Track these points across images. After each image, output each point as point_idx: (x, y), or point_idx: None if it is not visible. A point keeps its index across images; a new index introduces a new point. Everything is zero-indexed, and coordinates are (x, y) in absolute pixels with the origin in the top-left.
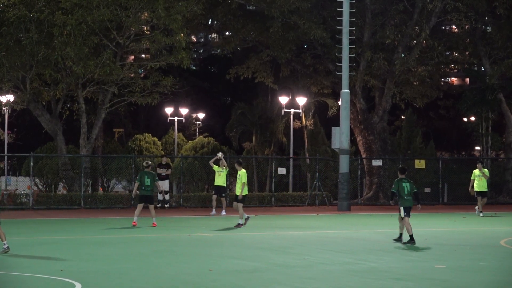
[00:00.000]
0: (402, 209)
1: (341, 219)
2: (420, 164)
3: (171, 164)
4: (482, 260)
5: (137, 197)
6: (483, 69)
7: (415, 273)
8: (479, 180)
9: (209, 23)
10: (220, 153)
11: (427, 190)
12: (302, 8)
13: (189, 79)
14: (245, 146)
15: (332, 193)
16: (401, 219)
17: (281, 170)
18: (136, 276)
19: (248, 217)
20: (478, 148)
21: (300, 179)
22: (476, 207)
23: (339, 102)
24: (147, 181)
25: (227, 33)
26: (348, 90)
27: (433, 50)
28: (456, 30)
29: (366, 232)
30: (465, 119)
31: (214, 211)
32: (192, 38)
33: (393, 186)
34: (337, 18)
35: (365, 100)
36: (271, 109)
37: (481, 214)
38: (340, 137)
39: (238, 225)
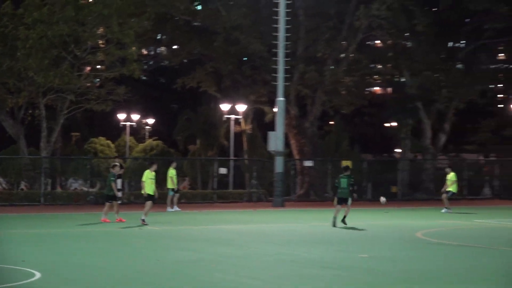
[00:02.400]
0: (336, 198)
1: (276, 214)
2: (347, 164)
3: (123, 164)
4: (401, 250)
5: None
6: (403, 80)
7: (342, 262)
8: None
9: (159, 37)
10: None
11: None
12: (243, 25)
13: (140, 88)
14: (190, 148)
15: (268, 191)
16: (339, 208)
17: (223, 170)
18: (92, 267)
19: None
20: (398, 150)
21: (239, 178)
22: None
23: (275, 109)
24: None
25: (174, 47)
26: (283, 98)
27: (359, 63)
28: (380, 45)
29: (299, 226)
30: (387, 125)
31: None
32: (143, 51)
33: (335, 181)
34: (274, 33)
35: (298, 107)
36: (214, 116)
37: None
38: (275, 141)
39: (143, 221)
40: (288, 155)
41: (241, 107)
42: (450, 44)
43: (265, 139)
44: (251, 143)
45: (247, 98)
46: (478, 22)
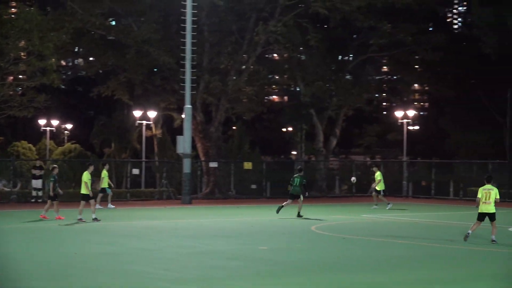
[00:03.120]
0: (290, 195)
1: (184, 211)
2: (248, 165)
3: (43, 166)
4: (297, 243)
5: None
6: (298, 89)
7: (244, 253)
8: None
9: (76, 50)
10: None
11: (253, 186)
12: (153, 39)
13: (59, 96)
14: (105, 151)
15: (177, 190)
16: (290, 202)
17: (135, 171)
18: (12, 260)
19: (81, 217)
20: (294, 152)
21: (151, 178)
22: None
23: (183, 115)
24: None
25: (91, 59)
26: (190, 106)
27: (258, 73)
28: (277, 57)
29: (205, 221)
30: (284, 129)
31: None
32: (62, 62)
33: (291, 180)
34: (181, 47)
35: (203, 113)
36: (127, 121)
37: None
38: (183, 144)
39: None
40: (195, 157)
41: (152, 114)
42: (340, 57)
43: (174, 142)
44: (161, 146)
45: (158, 105)
46: (364, 38)
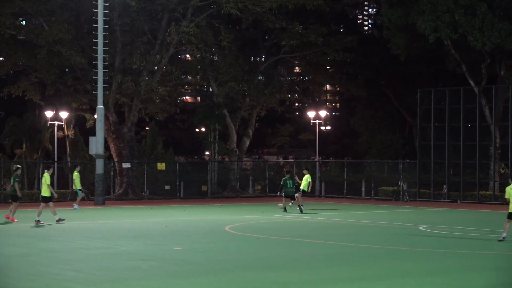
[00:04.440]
0: (285, 197)
1: (97, 212)
2: (161, 166)
3: None
4: (211, 243)
5: None
6: (211, 90)
7: (158, 254)
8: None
9: None
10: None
11: (167, 187)
12: (64, 39)
13: None
14: (17, 152)
15: (90, 191)
16: (285, 202)
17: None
18: None
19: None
20: (207, 153)
21: (63, 179)
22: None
23: (95, 116)
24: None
25: (0, 58)
26: (102, 106)
27: (171, 74)
28: (190, 58)
29: (118, 222)
30: (197, 130)
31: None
32: None
33: (281, 182)
34: (93, 47)
35: (116, 114)
36: (39, 122)
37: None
38: (96, 145)
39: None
40: (108, 157)
41: (64, 114)
42: (252, 58)
43: (86, 143)
44: (74, 147)
45: (70, 105)
46: (276, 39)
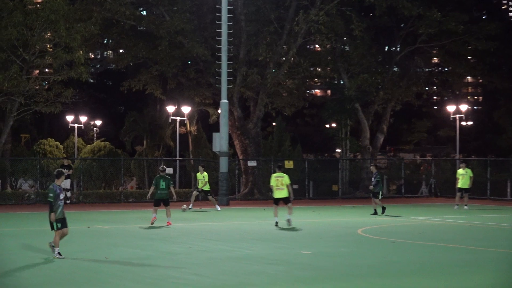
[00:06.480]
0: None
1: (221, 212)
2: (289, 164)
3: (72, 165)
4: (343, 247)
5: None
6: (342, 82)
7: (285, 258)
8: (462, 179)
9: (105, 41)
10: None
11: (295, 186)
12: (186, 30)
13: (87, 90)
14: (137, 149)
15: (213, 190)
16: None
17: (169, 170)
18: (38, 264)
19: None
20: (338, 150)
21: (185, 178)
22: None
23: (219, 111)
24: (162, 184)
25: (120, 51)
26: (226, 100)
27: (299, 66)
28: (319, 49)
29: (243, 224)
30: (327, 125)
31: None
32: (90, 54)
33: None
34: (216, 38)
35: (241, 109)
36: (160, 117)
37: (463, 207)
38: (220, 141)
39: None
40: (232, 155)
41: (186, 109)
42: (386, 48)
43: (210, 139)
44: (196, 143)
45: (192, 100)
46: (412, 27)
